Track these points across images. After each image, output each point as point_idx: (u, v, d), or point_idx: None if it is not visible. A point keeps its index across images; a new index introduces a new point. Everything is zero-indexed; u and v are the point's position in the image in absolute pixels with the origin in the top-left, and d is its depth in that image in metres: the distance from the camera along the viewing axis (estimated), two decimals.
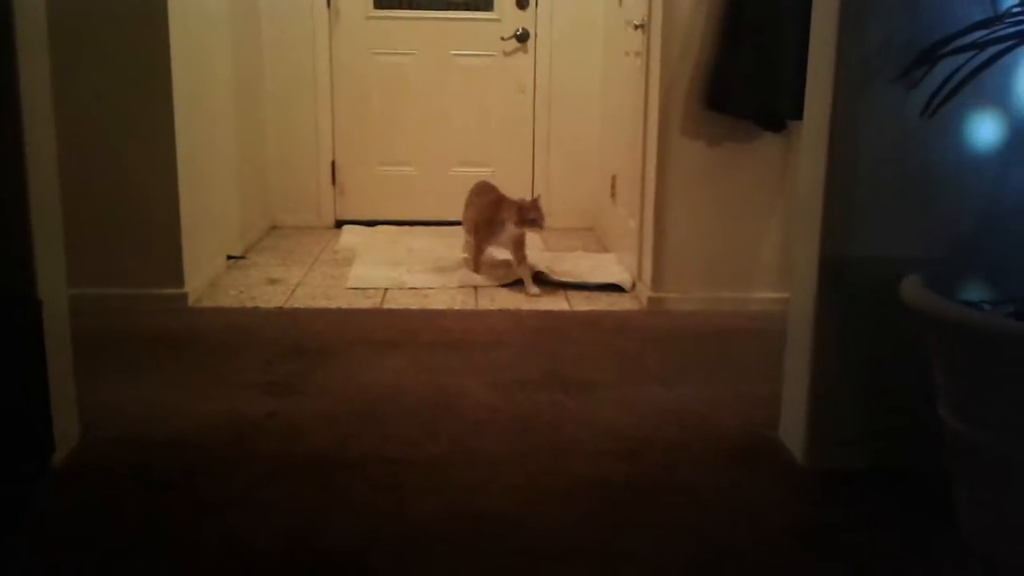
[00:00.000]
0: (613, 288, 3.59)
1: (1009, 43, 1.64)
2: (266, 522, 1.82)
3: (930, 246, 1.95)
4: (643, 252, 3.45)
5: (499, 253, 3.77)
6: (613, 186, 4.15)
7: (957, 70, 1.70)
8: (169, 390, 2.49)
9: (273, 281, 3.69)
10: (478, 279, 3.68)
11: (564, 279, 3.66)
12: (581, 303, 3.44)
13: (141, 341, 2.90)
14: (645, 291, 3.39)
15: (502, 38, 4.74)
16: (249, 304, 3.37)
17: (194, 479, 2.00)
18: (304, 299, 3.45)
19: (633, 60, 3.58)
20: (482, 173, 4.86)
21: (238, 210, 4.05)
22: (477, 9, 4.75)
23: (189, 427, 2.25)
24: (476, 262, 3.74)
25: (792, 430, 2.16)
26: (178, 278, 3.24)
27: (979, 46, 1.69)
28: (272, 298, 3.45)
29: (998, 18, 1.68)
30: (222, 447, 2.15)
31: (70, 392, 2.12)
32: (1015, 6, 1.66)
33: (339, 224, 4.81)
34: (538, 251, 4.25)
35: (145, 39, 3.06)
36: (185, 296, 3.26)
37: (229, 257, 3.89)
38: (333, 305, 3.37)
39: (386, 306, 3.38)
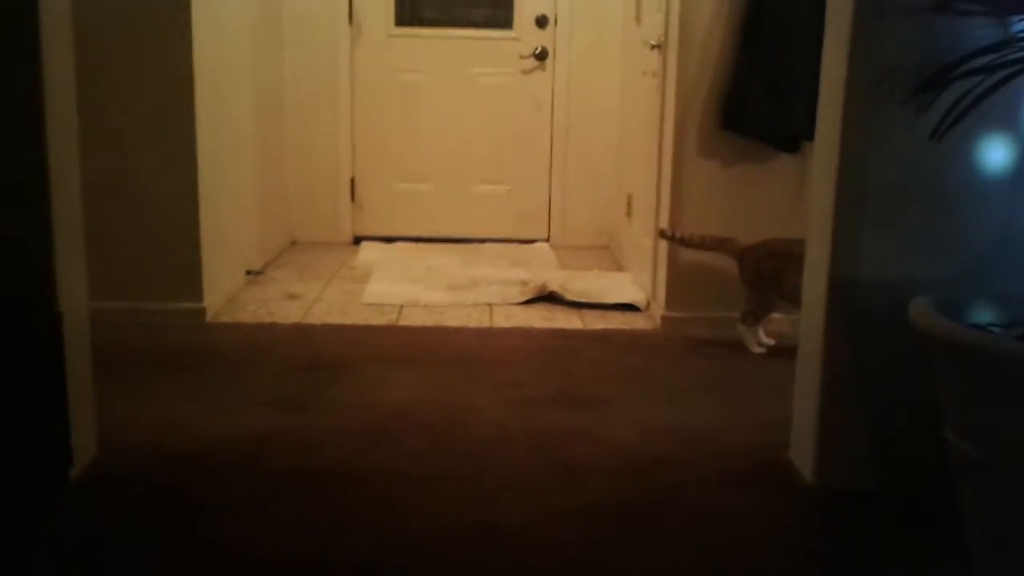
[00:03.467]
0: (628, 307, 3.60)
1: (1018, 67, 1.65)
2: (278, 535, 1.84)
3: (940, 268, 1.95)
4: (657, 271, 3.46)
5: None
6: (629, 204, 4.17)
7: (966, 93, 1.71)
8: (185, 405, 2.52)
9: (291, 296, 3.73)
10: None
11: (578, 299, 3.67)
12: (595, 321, 3.46)
13: (159, 355, 2.94)
14: (659, 310, 3.39)
15: (521, 56, 4.78)
16: (267, 320, 3.40)
17: (208, 492, 2.03)
18: (321, 315, 3.48)
19: (650, 80, 3.60)
20: (500, 190, 4.90)
21: (258, 225, 4.10)
22: (497, 27, 4.79)
23: (204, 441, 2.27)
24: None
25: (802, 450, 2.16)
26: (197, 293, 3.28)
27: (989, 70, 1.69)
28: (289, 314, 3.48)
29: (1007, 42, 1.69)
30: (236, 461, 2.18)
31: (89, 405, 2.15)
32: (1023, 31, 1.67)
33: (357, 240, 4.85)
34: (553, 269, 4.27)
35: (169, 54, 3.11)
36: (204, 311, 3.30)
37: (248, 272, 3.93)
38: (349, 321, 3.41)
39: (402, 323, 3.40)
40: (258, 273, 4.03)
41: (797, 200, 3.23)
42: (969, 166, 1.92)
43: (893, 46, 1.88)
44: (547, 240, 4.92)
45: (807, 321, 2.15)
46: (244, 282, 3.86)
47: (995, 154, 1.91)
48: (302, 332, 3.28)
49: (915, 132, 1.88)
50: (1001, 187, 1.93)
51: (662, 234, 3.25)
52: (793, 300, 2.55)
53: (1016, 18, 1.75)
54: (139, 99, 3.14)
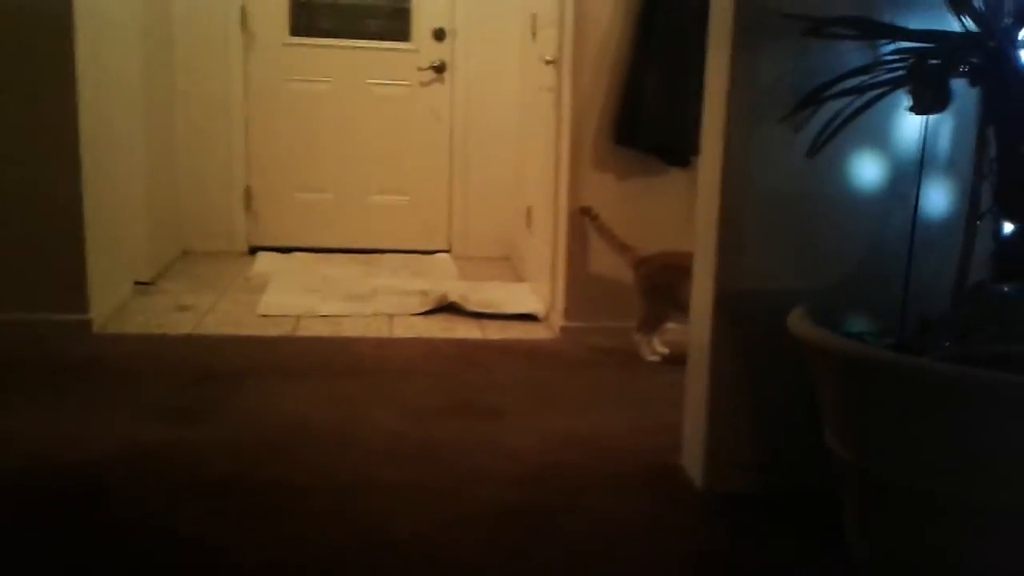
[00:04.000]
0: (527, 317, 3.64)
1: (884, 88, 1.75)
2: (173, 548, 1.80)
3: (817, 279, 2.05)
4: (556, 282, 3.52)
5: None
6: (529, 216, 4.22)
7: (839, 112, 1.80)
8: (71, 418, 2.43)
9: (182, 308, 3.63)
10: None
11: (479, 309, 3.69)
12: (495, 332, 3.48)
13: (43, 368, 2.82)
14: (558, 320, 3.45)
15: (419, 68, 4.79)
16: (157, 331, 3.31)
17: (98, 507, 1.96)
18: (214, 326, 3.41)
19: (546, 95, 3.66)
20: (400, 201, 4.90)
21: (147, 234, 3.98)
22: (394, 39, 4.79)
23: (92, 455, 2.20)
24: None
25: (692, 456, 2.22)
26: (82, 304, 3.17)
27: (859, 90, 1.79)
28: (180, 325, 3.40)
29: (876, 64, 1.79)
30: (128, 474, 2.12)
31: None
32: (889, 54, 1.77)
33: (253, 250, 4.76)
34: (453, 280, 4.29)
35: (49, 50, 2.99)
36: (89, 322, 3.18)
37: (137, 283, 3.81)
38: (244, 332, 3.34)
39: (299, 333, 3.36)
40: (148, 284, 3.92)
41: (688, 212, 3.31)
42: (843, 181, 2.03)
43: (771, 67, 1.97)
44: (448, 251, 4.93)
45: (695, 331, 2.22)
46: (133, 293, 3.74)
47: (868, 170, 2.02)
48: (194, 344, 3.20)
49: (793, 148, 1.97)
50: (873, 201, 2.04)
51: (583, 211, 3.28)
52: (686, 311, 2.62)
53: (883, 42, 1.85)
54: (17, 103, 3.02)
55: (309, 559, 1.79)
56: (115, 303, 3.49)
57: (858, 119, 1.78)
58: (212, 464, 2.19)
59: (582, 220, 3.31)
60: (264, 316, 3.56)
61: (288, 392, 2.70)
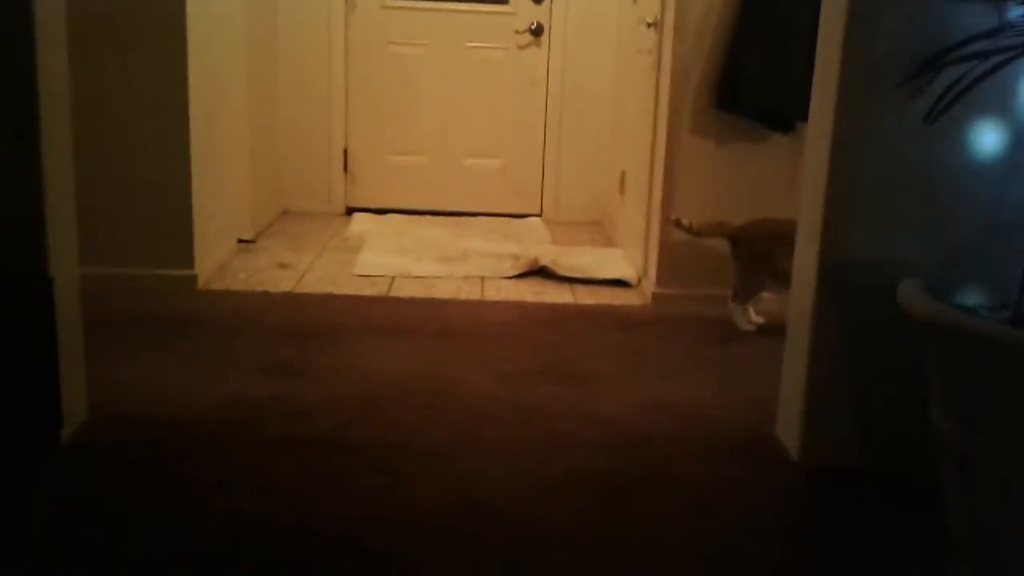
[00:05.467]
0: (618, 283, 3.61)
1: (1011, 53, 1.66)
2: (267, 501, 1.86)
3: (929, 251, 1.97)
4: (649, 248, 3.48)
5: None
6: (622, 181, 4.17)
7: (960, 79, 1.72)
8: (175, 371, 2.53)
9: (282, 266, 3.73)
10: None
11: (570, 274, 3.68)
12: (585, 297, 3.47)
13: (150, 322, 2.94)
14: (650, 287, 3.41)
15: (516, 31, 4.76)
16: (258, 288, 3.41)
17: (198, 458, 2.04)
18: (312, 285, 3.49)
19: (645, 58, 3.60)
20: (493, 165, 4.90)
21: (250, 194, 4.09)
22: (492, 2, 4.77)
23: (194, 407, 2.29)
24: None
25: (788, 428, 2.18)
26: (188, 260, 3.28)
27: (982, 55, 1.70)
28: (280, 283, 3.49)
29: (1002, 28, 1.70)
30: (226, 428, 2.20)
31: (79, 370, 2.16)
32: (1018, 18, 1.68)
33: (349, 211, 4.84)
34: (545, 244, 4.28)
35: (161, 23, 3.09)
36: (195, 278, 3.30)
37: (240, 241, 3.93)
38: (340, 291, 3.41)
39: (392, 294, 3.41)
40: (250, 242, 4.03)
41: (790, 180, 3.24)
42: (960, 151, 1.94)
43: (888, 31, 1.89)
44: (539, 215, 4.92)
45: (796, 300, 2.17)
46: (235, 250, 3.85)
47: (986, 140, 1.92)
48: (293, 301, 3.28)
49: (907, 117, 1.89)
50: (991, 172, 1.95)
51: (677, 223, 3.22)
52: (784, 280, 2.56)
53: (1012, 4, 1.75)
54: (132, 68, 3.12)
55: (401, 516, 1.83)
56: (219, 260, 3.61)
57: (980, 86, 1.70)
58: (309, 420, 2.25)
59: (673, 189, 3.25)
60: (360, 276, 3.62)
61: (383, 351, 2.75)
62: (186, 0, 3.09)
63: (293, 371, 2.55)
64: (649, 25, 3.47)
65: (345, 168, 4.86)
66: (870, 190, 1.97)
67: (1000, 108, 1.91)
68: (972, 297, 1.81)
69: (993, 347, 1.60)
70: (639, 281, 3.59)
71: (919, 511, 1.90)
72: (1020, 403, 1.60)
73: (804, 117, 2.41)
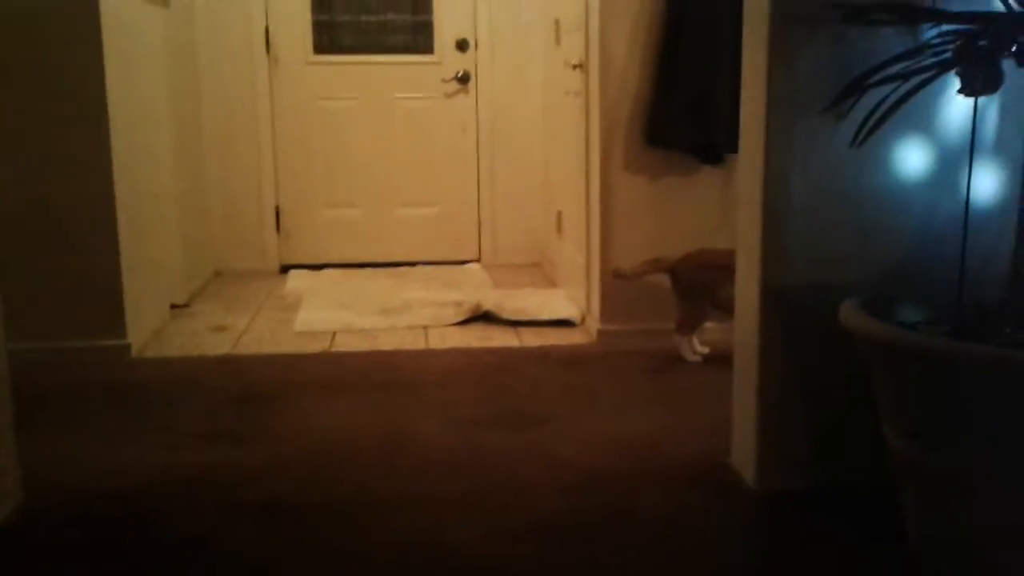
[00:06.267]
0: (563, 323, 3.61)
1: (930, 73, 1.71)
2: (221, 570, 1.79)
3: (867, 271, 2.01)
4: (591, 286, 3.49)
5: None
6: (559, 221, 4.20)
7: (883, 100, 1.77)
8: (114, 444, 2.44)
9: (219, 328, 3.64)
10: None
11: (514, 317, 3.67)
12: (531, 339, 3.46)
13: (84, 394, 2.83)
14: (594, 324, 3.42)
15: (443, 80, 4.79)
16: (195, 353, 3.32)
17: (145, 531, 1.96)
18: (251, 345, 3.41)
19: (573, 99, 3.65)
20: (428, 213, 4.89)
21: (180, 257, 4.00)
22: (418, 52, 4.80)
23: (137, 480, 2.20)
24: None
25: (742, 455, 2.19)
26: (120, 329, 3.18)
27: (903, 76, 1.76)
28: (218, 346, 3.40)
29: (919, 49, 1.75)
30: (173, 497, 2.11)
31: (11, 448, 2.06)
32: (934, 38, 1.74)
33: (284, 269, 4.77)
34: (486, 289, 4.27)
35: (81, 83, 3.02)
36: (128, 347, 3.20)
37: (173, 306, 3.83)
38: (281, 351, 3.34)
39: (335, 349, 3.35)
40: (183, 306, 3.93)
41: (723, 210, 3.29)
42: (889, 170, 1.99)
43: (810, 56, 1.94)
44: (478, 260, 4.92)
45: (741, 329, 2.18)
46: (169, 316, 3.75)
47: (913, 158, 1.98)
48: (233, 364, 3.20)
49: (836, 139, 1.94)
50: (921, 189, 2.00)
51: (616, 274, 3.23)
52: (726, 309, 2.59)
53: (926, 26, 1.82)
54: (50, 130, 3.04)
55: (362, 574, 1.77)
56: (152, 327, 3.51)
57: (903, 106, 1.75)
58: (258, 484, 2.18)
59: (611, 226, 3.27)
60: (301, 333, 3.56)
61: (330, 408, 2.69)
62: (104, 61, 3.03)
63: (237, 436, 2.48)
64: (575, 67, 3.52)
65: (278, 225, 4.80)
66: (805, 214, 2.00)
67: (924, 126, 1.97)
68: (911, 313, 1.85)
69: (934, 360, 1.63)
70: (583, 319, 3.60)
71: (878, 528, 1.91)
72: (966, 413, 1.62)
73: (733, 148, 2.47)
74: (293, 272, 4.69)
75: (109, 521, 2.00)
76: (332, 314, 3.80)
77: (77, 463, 2.30)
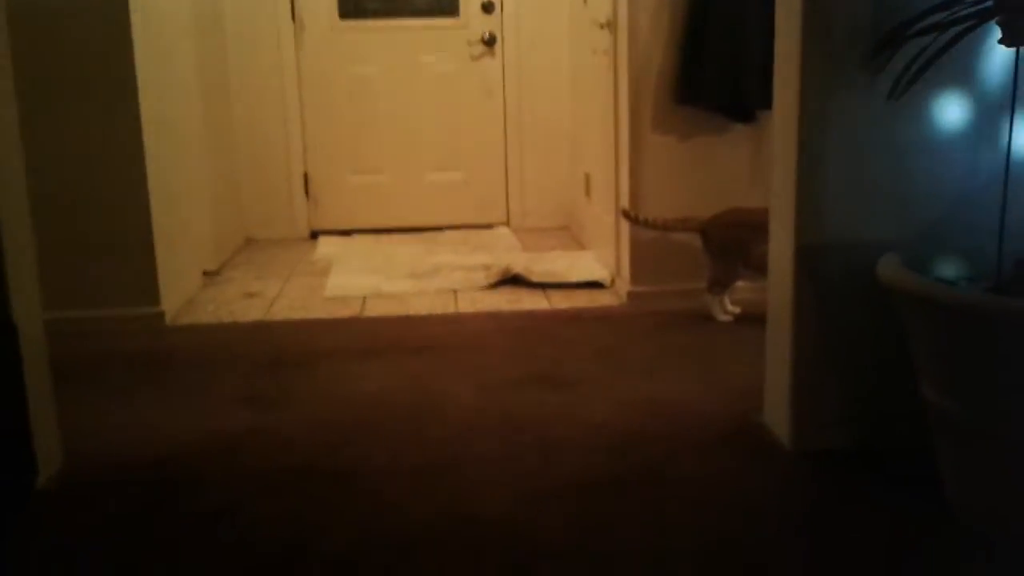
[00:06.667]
0: (593, 285, 3.60)
1: (970, 23, 1.66)
2: (257, 534, 1.81)
3: (903, 228, 1.97)
4: (620, 248, 3.47)
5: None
6: (587, 184, 4.16)
7: (920, 52, 1.72)
8: (151, 409, 2.47)
9: (250, 295, 3.67)
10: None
11: (544, 280, 3.66)
12: (561, 301, 3.45)
13: (120, 362, 2.87)
14: (624, 286, 3.40)
15: (469, 43, 4.74)
16: (227, 319, 3.35)
17: (181, 496, 1.98)
18: (283, 311, 3.43)
19: (601, 58, 3.59)
20: (456, 177, 4.88)
21: (212, 225, 4.03)
22: (443, 15, 4.75)
23: (174, 445, 2.23)
24: None
25: (776, 414, 2.17)
26: (154, 297, 3.21)
27: (941, 27, 1.71)
28: (250, 312, 3.43)
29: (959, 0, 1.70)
30: (208, 463, 2.14)
31: (51, 416, 2.10)
32: None
33: (314, 235, 4.79)
34: (516, 252, 4.26)
35: (109, 56, 3.03)
36: (162, 315, 3.23)
37: (205, 273, 3.86)
38: (312, 316, 3.36)
39: (366, 314, 3.37)
40: (215, 273, 3.96)
41: (754, 169, 3.25)
42: (928, 125, 1.94)
43: (846, 8, 1.89)
44: (507, 224, 4.90)
45: (775, 287, 2.16)
46: (201, 283, 3.78)
47: (952, 112, 1.93)
48: (265, 329, 3.22)
49: (873, 93, 1.90)
50: (960, 143, 1.95)
51: (625, 215, 3.25)
52: (758, 268, 2.56)
53: None
54: (82, 104, 3.06)
55: (395, 539, 1.79)
56: (185, 294, 3.54)
57: (942, 57, 1.70)
58: (292, 449, 2.20)
59: (640, 187, 3.24)
60: (331, 298, 3.57)
61: (362, 372, 2.70)
62: (132, 31, 3.03)
63: (271, 401, 2.50)
64: (602, 26, 3.47)
65: (307, 192, 4.81)
66: (840, 171, 1.96)
67: (963, 79, 1.92)
68: (951, 269, 1.81)
69: (977, 316, 1.60)
70: (613, 281, 3.58)
71: (915, 486, 1.89)
72: (1006, 370, 1.59)
73: (764, 105, 2.42)
74: (323, 238, 4.70)
75: (145, 487, 2.03)
76: (362, 279, 3.81)
77: (113, 430, 2.33)
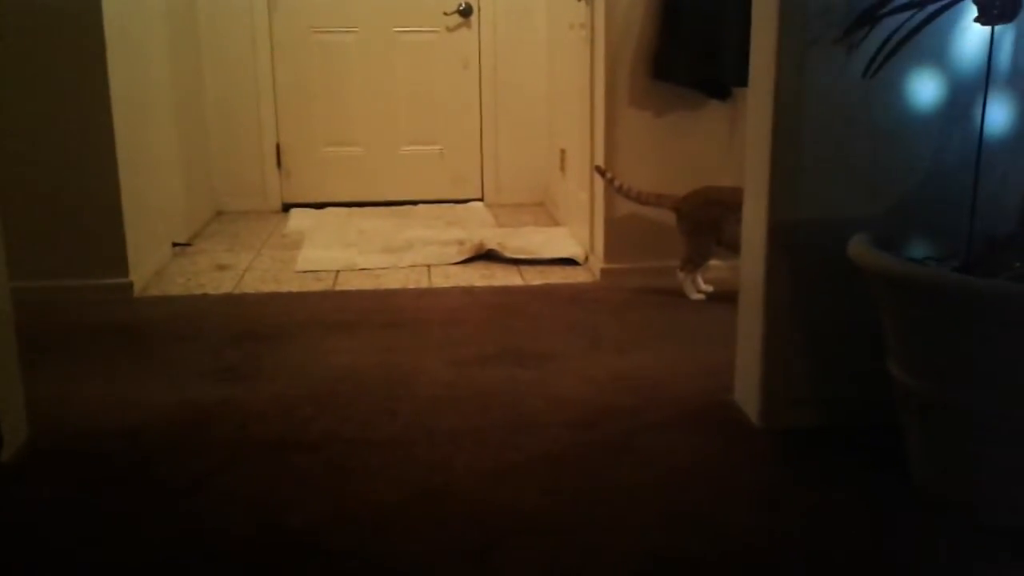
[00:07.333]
0: (566, 262, 3.59)
1: (946, 1, 1.66)
2: (227, 507, 1.80)
3: (876, 205, 1.98)
4: (594, 224, 3.46)
5: None
6: (563, 160, 4.15)
7: (896, 30, 1.72)
8: (119, 381, 2.44)
9: (221, 267, 3.63)
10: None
11: (517, 255, 3.65)
12: (535, 277, 3.45)
13: (88, 333, 2.83)
14: (598, 263, 3.40)
15: (445, 13, 4.69)
16: (197, 291, 3.31)
17: (151, 469, 1.97)
18: (253, 284, 3.40)
19: (578, 32, 3.57)
20: (431, 151, 4.84)
21: (182, 196, 3.98)
22: None
23: (142, 417, 2.21)
24: None
25: (746, 392, 2.18)
26: (122, 267, 3.17)
27: (917, 5, 1.71)
28: (220, 284, 3.39)
29: None
30: (178, 436, 2.12)
31: (17, 387, 2.06)
32: None
33: (286, 208, 4.74)
34: (490, 227, 4.24)
35: (78, 27, 2.97)
36: (131, 285, 3.19)
37: (175, 244, 3.81)
38: (284, 289, 3.33)
39: (338, 288, 3.34)
40: (185, 245, 3.91)
41: (728, 147, 3.25)
42: (901, 103, 1.95)
43: None
44: (481, 199, 4.88)
45: (748, 263, 2.16)
46: (171, 255, 3.74)
47: (925, 90, 1.93)
48: (235, 302, 3.20)
49: (848, 70, 1.90)
50: (934, 121, 1.96)
51: (600, 172, 3.23)
52: (731, 247, 2.57)
53: None
54: (50, 75, 2.99)
55: (365, 512, 1.78)
56: (155, 266, 3.50)
57: (917, 36, 1.70)
58: (263, 422, 2.19)
59: (615, 163, 3.24)
60: (303, 272, 3.55)
61: (333, 346, 2.69)
62: (103, 5, 2.96)
63: (241, 374, 2.48)
64: None
65: (279, 164, 4.76)
66: (814, 149, 1.97)
67: (937, 57, 1.92)
68: (921, 248, 1.82)
69: (941, 294, 1.62)
70: (586, 258, 3.58)
71: (881, 464, 1.92)
72: (973, 349, 1.61)
73: (740, 82, 2.42)
74: (295, 211, 4.66)
75: (114, 459, 2.01)
76: (335, 253, 3.78)
77: (81, 401, 2.30)
